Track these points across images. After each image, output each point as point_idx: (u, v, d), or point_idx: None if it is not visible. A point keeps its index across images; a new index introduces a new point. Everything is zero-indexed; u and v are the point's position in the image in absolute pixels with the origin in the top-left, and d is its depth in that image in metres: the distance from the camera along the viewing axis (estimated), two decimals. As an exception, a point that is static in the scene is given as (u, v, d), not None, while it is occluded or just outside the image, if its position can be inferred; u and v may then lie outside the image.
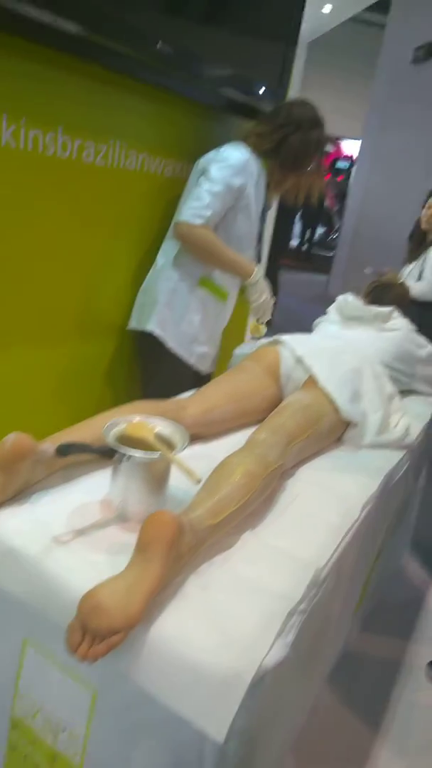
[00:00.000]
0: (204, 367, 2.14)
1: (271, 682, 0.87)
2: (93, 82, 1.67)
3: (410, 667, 1.91)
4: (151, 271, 2.05)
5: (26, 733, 1.05)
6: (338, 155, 11.37)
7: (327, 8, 3.91)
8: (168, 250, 2.01)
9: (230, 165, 1.87)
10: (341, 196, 9.81)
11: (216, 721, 0.81)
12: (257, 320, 2.09)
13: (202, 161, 1.94)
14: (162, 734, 0.90)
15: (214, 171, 1.86)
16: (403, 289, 2.28)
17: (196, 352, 2.08)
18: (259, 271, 1.99)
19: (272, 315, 2.05)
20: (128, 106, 1.82)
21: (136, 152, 1.89)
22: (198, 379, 2.06)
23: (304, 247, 10.64)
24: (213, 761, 0.85)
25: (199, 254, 1.95)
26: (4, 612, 1.04)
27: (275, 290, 7.62)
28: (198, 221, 1.85)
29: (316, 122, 1.96)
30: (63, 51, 1.53)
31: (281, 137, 1.94)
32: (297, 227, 10.40)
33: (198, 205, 1.85)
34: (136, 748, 0.92)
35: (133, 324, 2.07)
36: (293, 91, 3.93)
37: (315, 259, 10.44)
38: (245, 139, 1.98)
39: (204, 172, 1.90)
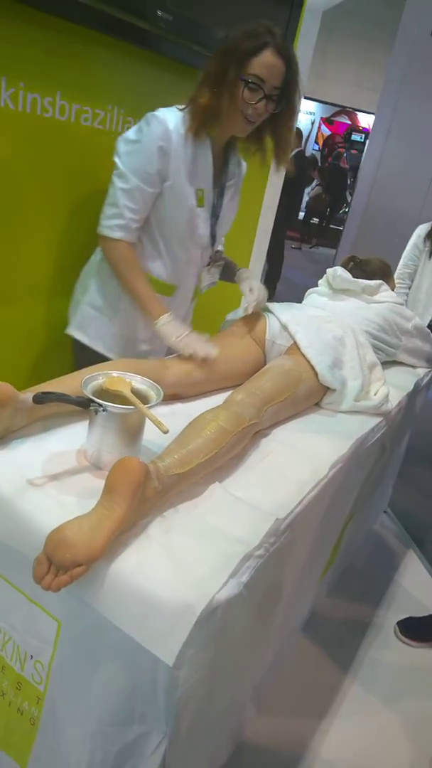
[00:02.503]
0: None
1: (223, 616, 0.93)
2: (92, 48, 1.68)
3: (379, 627, 1.99)
4: (86, 264, 1.81)
5: (-3, 660, 1.13)
6: (354, 127, 11.23)
7: (344, -26, 3.81)
8: None
9: (140, 148, 1.53)
10: (355, 169, 9.71)
11: (168, 647, 0.87)
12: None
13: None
14: (120, 661, 0.97)
15: (124, 160, 1.55)
16: (381, 262, 2.29)
17: (139, 351, 1.79)
18: (165, 319, 1.58)
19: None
20: (127, 73, 1.83)
21: (133, 119, 1.91)
22: None
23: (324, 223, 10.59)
24: (165, 684, 0.92)
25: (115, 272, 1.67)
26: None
27: (279, 264, 7.29)
28: (116, 234, 1.58)
29: (238, 26, 1.47)
30: (64, 18, 1.56)
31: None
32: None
33: (113, 212, 1.57)
34: (96, 674, 1.00)
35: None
36: (306, 61, 3.88)
37: (331, 234, 10.36)
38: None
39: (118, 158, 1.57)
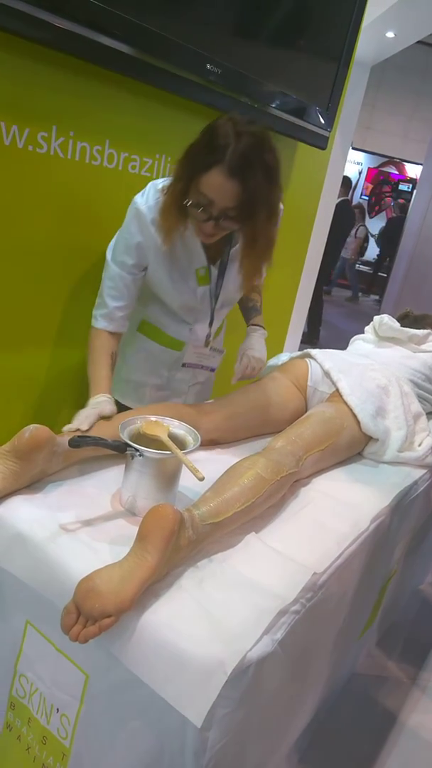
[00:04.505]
0: None
1: (256, 676, 0.89)
2: (140, 98, 1.74)
3: (422, 691, 1.88)
4: None
5: (22, 712, 1.10)
6: (402, 177, 11.31)
7: (390, 34, 3.92)
8: None
9: (120, 239, 1.52)
10: (403, 219, 9.68)
11: (196, 706, 0.83)
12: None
13: None
14: (148, 718, 0.93)
15: (110, 246, 1.54)
16: None
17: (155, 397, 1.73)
18: (95, 399, 1.38)
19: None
20: (174, 122, 1.88)
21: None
22: None
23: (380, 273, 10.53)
24: (193, 747, 0.87)
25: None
26: (10, 594, 1.10)
27: (317, 307, 7.25)
28: (98, 324, 1.52)
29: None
30: (111, 69, 1.61)
31: None
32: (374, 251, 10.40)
33: (98, 302, 1.54)
34: (123, 732, 0.95)
35: None
36: (351, 113, 3.95)
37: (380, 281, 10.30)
38: None
39: None
